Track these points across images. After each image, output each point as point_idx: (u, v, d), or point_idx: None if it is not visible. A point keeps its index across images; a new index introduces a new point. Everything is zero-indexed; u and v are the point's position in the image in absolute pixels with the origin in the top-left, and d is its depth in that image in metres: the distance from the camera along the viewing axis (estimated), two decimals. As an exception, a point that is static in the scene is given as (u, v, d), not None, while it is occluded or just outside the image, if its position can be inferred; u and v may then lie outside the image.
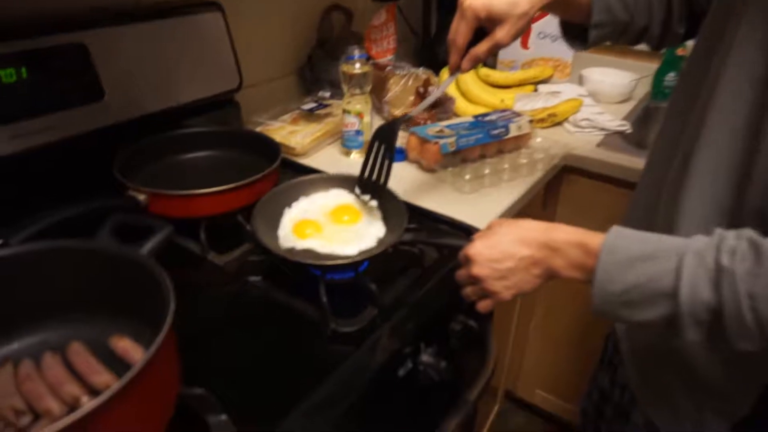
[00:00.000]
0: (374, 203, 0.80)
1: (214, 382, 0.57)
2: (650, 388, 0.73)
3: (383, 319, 0.70)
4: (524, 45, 1.50)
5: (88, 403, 0.38)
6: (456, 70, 0.79)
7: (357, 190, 0.82)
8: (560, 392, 1.59)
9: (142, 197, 0.79)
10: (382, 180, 0.79)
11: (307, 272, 0.76)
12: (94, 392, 0.53)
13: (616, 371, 0.85)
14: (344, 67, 1.06)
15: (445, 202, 0.97)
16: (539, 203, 1.26)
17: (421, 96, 1.24)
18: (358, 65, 1.04)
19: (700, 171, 0.61)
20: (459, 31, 0.75)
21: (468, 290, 0.67)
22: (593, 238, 0.57)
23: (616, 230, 0.56)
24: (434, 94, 0.83)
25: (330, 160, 1.14)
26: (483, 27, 0.74)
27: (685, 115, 0.66)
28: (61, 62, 0.81)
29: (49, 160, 0.82)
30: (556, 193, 1.30)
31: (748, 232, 0.49)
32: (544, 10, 0.77)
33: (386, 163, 0.79)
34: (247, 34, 1.16)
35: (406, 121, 0.87)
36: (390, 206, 0.82)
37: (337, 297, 0.71)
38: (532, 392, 1.66)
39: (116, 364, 0.57)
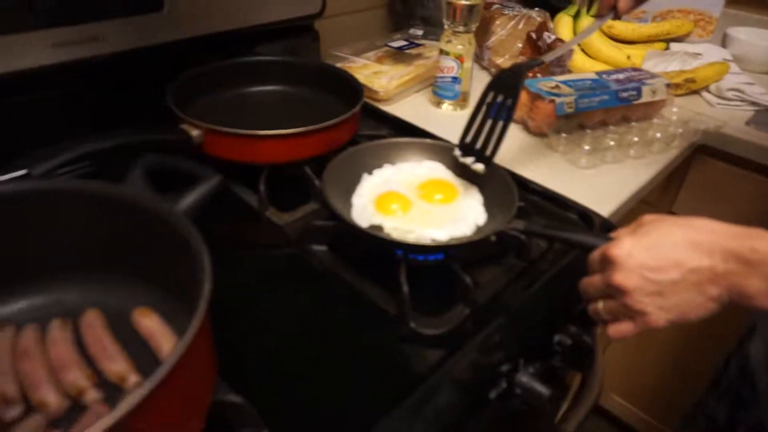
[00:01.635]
0: (480, 167, 0.62)
1: (252, 380, 0.44)
2: None
3: (477, 322, 0.54)
4: (662, -8, 1.24)
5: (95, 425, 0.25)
6: (610, 10, 0.61)
7: (457, 152, 0.65)
8: (640, 402, 1.41)
9: (195, 133, 0.65)
10: (491, 146, 0.61)
11: (384, 250, 0.60)
12: (102, 384, 0.41)
13: (745, 408, 0.67)
14: (449, -2, 0.86)
15: (554, 175, 0.79)
16: (659, 189, 1.04)
17: (533, 43, 1.03)
18: (466, -4, 0.85)
19: None
20: None
21: (600, 306, 0.49)
22: None
23: None
24: (582, 35, 0.63)
25: (417, 110, 0.97)
26: None
27: None
28: (115, -41, 0.67)
29: (94, 78, 0.69)
30: (680, 176, 1.08)
31: None
32: None
33: (501, 123, 0.61)
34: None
35: (534, 67, 0.68)
36: (493, 184, 0.64)
37: (420, 286, 0.55)
38: (607, 395, 1.48)
39: (136, 344, 0.44)
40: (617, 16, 0.64)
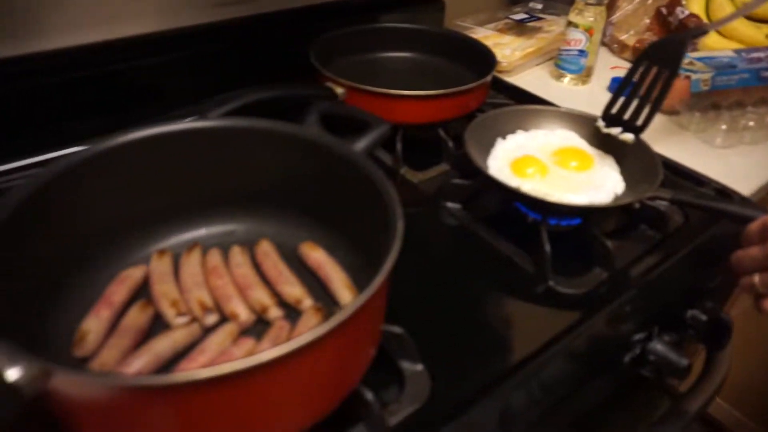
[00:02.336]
0: (629, 136, 0.62)
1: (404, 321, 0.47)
2: None
3: (612, 288, 0.55)
4: (809, -33, 1.14)
5: (291, 342, 0.28)
6: None
7: (600, 122, 0.65)
8: (745, 407, 1.34)
9: (340, 90, 0.69)
10: (643, 117, 0.60)
11: (518, 213, 0.62)
12: (282, 304, 0.46)
13: None
14: (584, -33, 0.85)
15: (687, 153, 0.76)
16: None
17: (662, 19, 0.99)
18: (604, -36, 0.83)
19: None
20: None
21: (756, 279, 0.48)
22: None
23: None
24: (753, 4, 0.60)
25: (536, 82, 0.96)
26: None
27: None
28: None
29: (247, 36, 0.75)
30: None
31: None
32: None
33: (656, 93, 0.60)
34: None
35: (698, 37, 0.66)
36: (632, 155, 0.64)
37: (555, 248, 0.56)
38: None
39: (303, 274, 0.48)
40: None
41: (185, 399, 0.29)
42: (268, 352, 0.28)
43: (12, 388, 0.27)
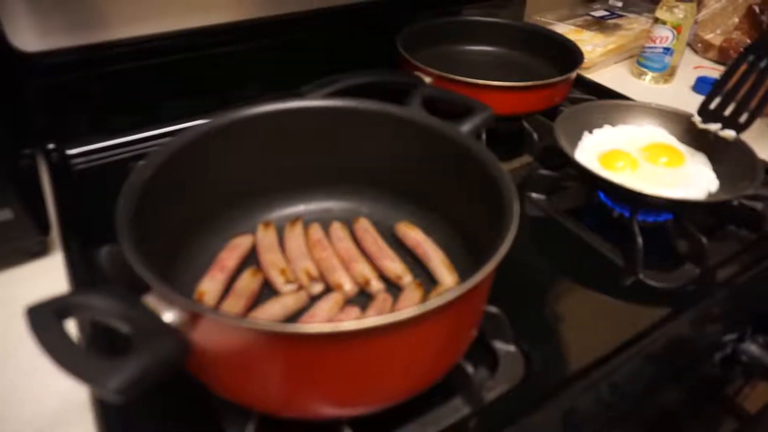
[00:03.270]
0: (731, 133, 0.61)
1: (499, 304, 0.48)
2: None
3: (707, 283, 0.54)
4: None
5: (404, 311, 0.30)
6: None
7: (696, 118, 0.64)
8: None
9: (428, 79, 0.71)
10: (748, 113, 0.59)
11: (603, 207, 0.62)
12: (384, 278, 0.48)
13: None
14: (676, -38, 0.84)
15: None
16: None
17: (755, 18, 0.96)
18: (697, -39, 0.82)
19: None
20: None
21: None
22: None
23: None
24: None
25: (616, 80, 0.95)
26: None
27: None
28: None
29: (341, 24, 0.77)
30: None
31: None
32: None
33: (765, 92, 0.59)
34: None
35: None
36: (725, 153, 0.62)
37: (644, 243, 0.56)
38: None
39: (401, 251, 0.50)
40: None
41: (309, 349, 0.31)
42: (400, 313, 0.30)
43: (172, 328, 0.30)
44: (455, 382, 0.42)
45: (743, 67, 0.61)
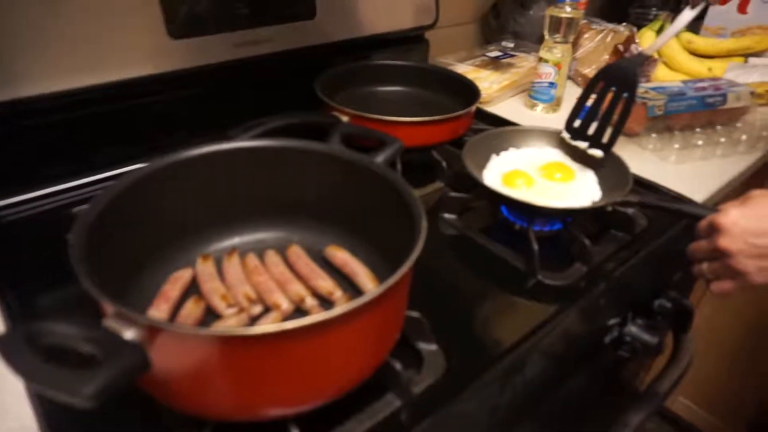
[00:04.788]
0: (599, 152, 0.72)
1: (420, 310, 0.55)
2: None
3: (591, 280, 0.64)
4: (742, 9, 1.31)
5: (334, 309, 0.36)
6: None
7: (565, 134, 0.75)
8: (707, 404, 1.44)
9: (345, 118, 0.78)
10: (609, 135, 0.71)
11: (506, 219, 0.71)
12: (317, 296, 0.53)
13: None
14: (550, 11, 0.97)
15: (648, 168, 0.87)
16: (736, 193, 1.11)
17: (620, 55, 1.13)
18: (568, 9, 0.96)
19: None
20: None
21: (704, 266, 0.58)
22: None
23: None
24: (674, 28, 0.70)
25: (512, 111, 1.07)
26: None
27: None
28: (284, -25, 0.81)
29: (263, 72, 0.84)
30: (759, 182, 1.14)
31: None
32: None
33: (620, 115, 0.70)
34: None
35: (644, 61, 0.76)
36: (607, 167, 0.74)
37: (540, 249, 0.65)
38: (675, 399, 1.52)
39: (331, 271, 0.56)
40: (710, 3, 0.70)
41: (257, 350, 0.36)
42: (332, 311, 0.36)
43: (133, 344, 0.34)
44: (387, 379, 0.48)
45: (597, 90, 0.72)
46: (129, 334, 0.35)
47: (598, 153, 0.72)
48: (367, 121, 0.78)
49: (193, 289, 0.54)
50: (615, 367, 0.72)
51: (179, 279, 0.53)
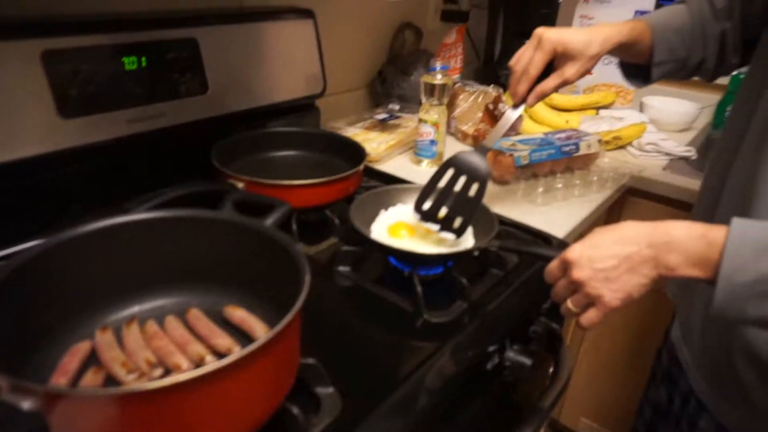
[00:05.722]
0: (451, 236, 0.77)
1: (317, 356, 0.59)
2: (723, 390, 0.72)
3: (471, 315, 0.72)
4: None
5: (220, 360, 0.40)
6: (521, 102, 0.78)
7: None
8: (606, 420, 1.57)
9: (240, 185, 0.83)
10: (461, 221, 0.76)
11: (394, 267, 0.78)
12: (217, 353, 0.56)
13: (677, 383, 0.83)
14: (425, 78, 1.10)
15: (519, 211, 1.00)
16: (600, 225, 1.27)
17: (490, 113, 1.28)
18: (439, 76, 1.09)
19: None
20: (534, 61, 0.75)
21: (569, 303, 0.63)
22: (715, 230, 0.55)
23: (740, 220, 0.54)
24: (503, 124, 0.79)
25: (401, 168, 1.18)
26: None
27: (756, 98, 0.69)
28: (175, 55, 0.87)
29: (158, 145, 0.87)
30: (617, 215, 1.31)
31: None
32: (610, 53, 0.79)
33: (471, 201, 0.76)
34: (329, 48, 1.21)
35: (486, 152, 0.82)
36: (479, 217, 0.83)
37: (425, 291, 0.73)
38: (577, 420, 1.63)
39: (233, 332, 0.60)
40: (528, 106, 0.80)
41: (151, 405, 0.39)
42: (221, 361, 0.40)
43: (32, 414, 0.36)
44: (286, 424, 0.52)
45: (448, 176, 0.79)
46: (27, 404, 0.37)
47: (450, 236, 0.77)
48: (262, 186, 0.84)
49: (92, 360, 0.55)
50: (506, 389, 0.79)
51: (78, 352, 0.54)
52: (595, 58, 0.75)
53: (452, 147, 1.28)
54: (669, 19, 0.82)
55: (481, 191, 0.77)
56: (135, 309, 0.63)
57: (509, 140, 1.14)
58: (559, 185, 1.06)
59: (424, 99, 1.12)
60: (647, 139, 1.35)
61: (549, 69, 0.76)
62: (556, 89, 0.77)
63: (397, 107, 1.36)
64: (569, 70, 0.75)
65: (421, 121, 1.13)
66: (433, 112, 1.11)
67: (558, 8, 1.65)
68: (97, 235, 0.57)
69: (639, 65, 0.84)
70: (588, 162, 1.20)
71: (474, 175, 0.78)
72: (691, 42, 0.82)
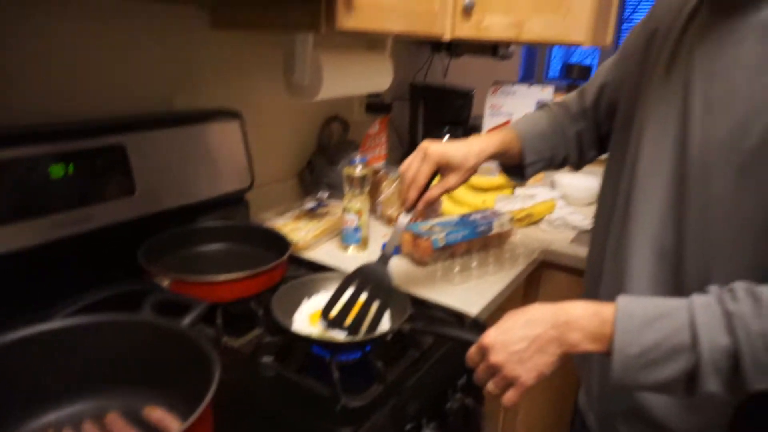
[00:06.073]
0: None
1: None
2: None
3: (389, 395, 0.77)
4: (501, 154, 1.67)
5: None
6: (412, 208, 0.87)
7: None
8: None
9: (166, 282, 0.87)
10: (364, 330, 0.81)
11: (316, 354, 0.83)
12: (132, 456, 0.58)
13: None
14: (347, 170, 1.19)
15: (437, 291, 1.07)
16: (520, 297, 1.36)
17: (411, 197, 1.37)
18: (359, 168, 1.18)
19: (639, 222, 0.74)
20: (421, 171, 0.85)
21: (490, 385, 0.68)
22: (606, 308, 0.63)
23: (625, 297, 0.63)
24: (398, 229, 0.87)
25: (330, 253, 1.24)
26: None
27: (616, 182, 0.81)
28: (103, 161, 0.92)
29: (85, 247, 0.90)
30: (535, 287, 1.41)
31: (739, 283, 0.59)
32: (488, 160, 0.92)
33: (374, 313, 0.82)
34: (258, 142, 1.30)
35: (388, 259, 0.88)
36: (395, 298, 0.90)
37: (345, 376, 0.77)
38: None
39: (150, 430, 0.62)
40: (416, 214, 0.88)
41: None
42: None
43: None
44: None
45: (353, 285, 0.85)
46: None
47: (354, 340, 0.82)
48: (187, 283, 0.88)
49: (4, 474, 0.56)
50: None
51: (-12, 466, 0.55)
52: (473, 169, 0.87)
53: (378, 230, 1.36)
54: (533, 126, 0.97)
55: (385, 300, 0.83)
56: (51, 417, 0.63)
57: (428, 224, 1.23)
58: (474, 264, 1.15)
59: (346, 189, 1.20)
60: (557, 214, 1.48)
61: (434, 175, 0.86)
62: (440, 197, 0.88)
63: (326, 195, 1.44)
64: (451, 180, 0.86)
65: (345, 210, 1.21)
66: (355, 201, 1.20)
67: (472, 99, 1.82)
68: (11, 346, 0.59)
69: (515, 165, 0.97)
70: (502, 240, 1.30)
71: (379, 285, 0.85)
72: (553, 143, 0.96)
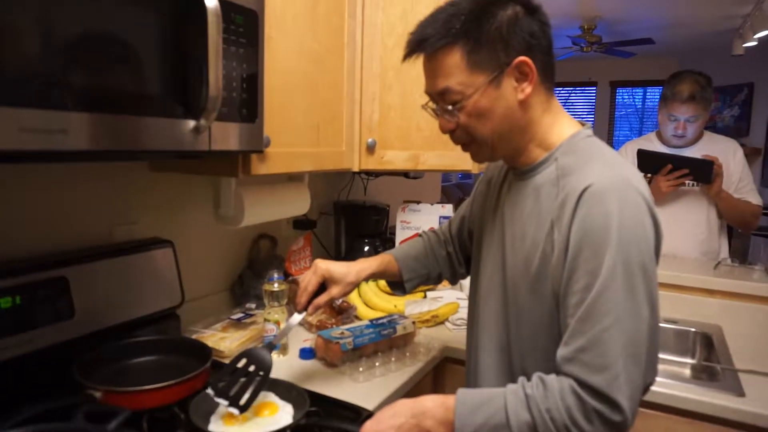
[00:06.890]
0: (235, 411, 0.98)
1: None
2: None
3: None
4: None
5: None
6: (303, 310, 1.11)
7: (210, 391, 0.99)
8: None
9: (98, 394, 1.01)
10: (246, 398, 0.98)
11: (228, 450, 0.97)
12: None
13: None
14: (266, 286, 1.38)
15: (344, 390, 1.23)
16: (429, 390, 1.53)
17: (330, 305, 1.57)
18: (276, 285, 1.37)
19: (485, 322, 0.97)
20: (311, 281, 1.10)
21: None
22: (450, 398, 0.84)
23: (462, 389, 0.85)
24: (288, 327, 1.13)
25: (253, 359, 1.39)
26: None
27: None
28: (46, 292, 1.08)
29: (26, 367, 1.04)
30: (441, 380, 1.58)
31: (537, 373, 0.82)
32: (369, 278, 1.16)
33: (255, 385, 0.99)
34: (191, 263, 1.49)
35: (271, 349, 1.10)
36: (296, 397, 1.06)
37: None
38: None
39: None
40: (308, 315, 1.15)
41: None
42: None
43: None
44: None
45: (241, 363, 1.05)
46: None
47: (234, 411, 0.97)
48: (116, 393, 1.02)
49: None
50: None
51: None
52: (353, 284, 1.12)
53: (301, 336, 1.53)
54: (409, 250, 1.22)
55: (265, 377, 1.02)
56: None
57: (339, 329, 1.42)
58: (377, 363, 1.33)
59: (266, 302, 1.39)
60: (459, 314, 1.70)
61: (323, 287, 1.11)
62: (326, 303, 1.11)
63: (253, 306, 1.61)
64: (334, 290, 1.10)
65: (265, 320, 1.39)
66: (273, 313, 1.38)
67: (388, 214, 2.08)
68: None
69: (397, 281, 1.21)
70: (407, 340, 1.49)
71: (260, 365, 1.04)
72: (426, 263, 1.21)
